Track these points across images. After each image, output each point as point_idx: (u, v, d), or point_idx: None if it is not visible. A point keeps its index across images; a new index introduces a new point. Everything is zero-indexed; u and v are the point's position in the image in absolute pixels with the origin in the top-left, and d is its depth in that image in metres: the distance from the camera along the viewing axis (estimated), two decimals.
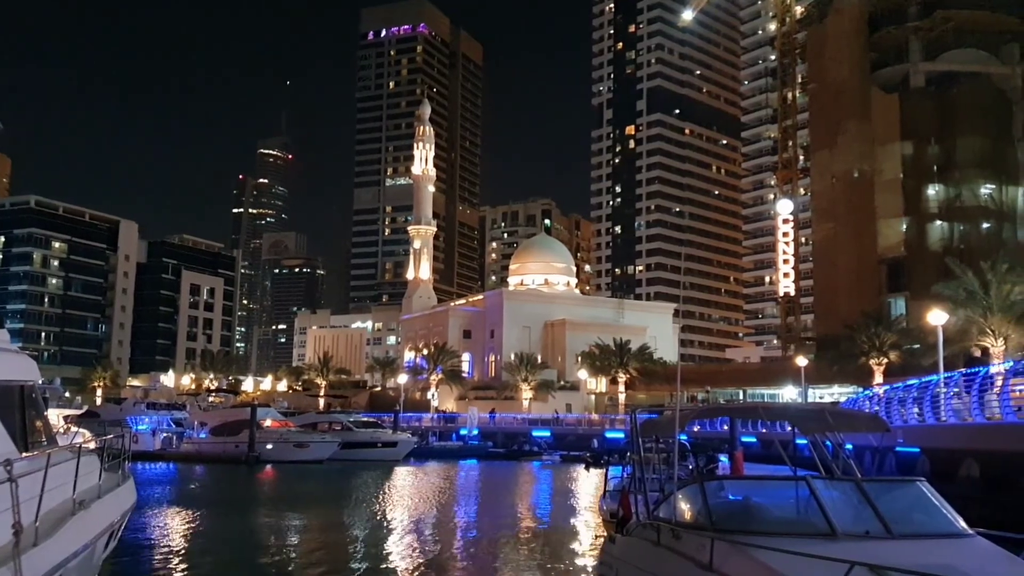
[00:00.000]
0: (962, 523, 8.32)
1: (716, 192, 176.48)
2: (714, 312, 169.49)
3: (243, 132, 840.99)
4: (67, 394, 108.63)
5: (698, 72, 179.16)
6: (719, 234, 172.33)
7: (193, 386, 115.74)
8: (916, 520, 8.31)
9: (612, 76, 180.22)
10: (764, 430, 53.61)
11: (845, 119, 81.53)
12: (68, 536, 8.43)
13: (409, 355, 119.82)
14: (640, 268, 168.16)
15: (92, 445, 11.50)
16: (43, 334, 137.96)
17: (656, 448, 17.83)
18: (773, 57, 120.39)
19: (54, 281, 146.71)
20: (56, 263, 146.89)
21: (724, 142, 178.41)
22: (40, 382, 9.84)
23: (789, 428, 13.38)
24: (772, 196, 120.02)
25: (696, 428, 45.15)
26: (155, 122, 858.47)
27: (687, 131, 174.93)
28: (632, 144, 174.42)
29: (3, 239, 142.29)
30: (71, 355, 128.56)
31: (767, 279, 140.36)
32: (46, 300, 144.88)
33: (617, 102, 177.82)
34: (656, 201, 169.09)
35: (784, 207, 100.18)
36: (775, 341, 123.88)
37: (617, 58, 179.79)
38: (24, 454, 8.11)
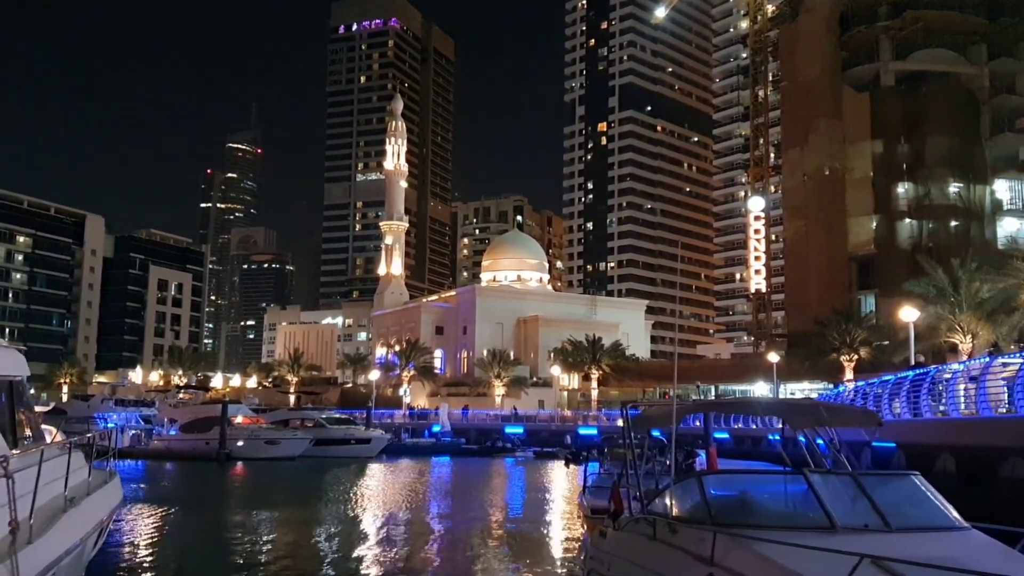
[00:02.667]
0: (957, 516, 8.36)
1: (688, 189, 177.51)
2: (685, 309, 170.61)
3: (212, 126, 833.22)
4: (32, 391, 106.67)
5: (670, 69, 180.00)
6: (690, 231, 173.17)
7: (162, 383, 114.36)
8: (912, 513, 8.25)
9: (584, 73, 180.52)
10: (739, 425, 54.34)
11: (816, 117, 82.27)
12: (61, 533, 8.28)
13: (381, 351, 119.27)
14: (612, 264, 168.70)
15: (76, 442, 11.25)
16: (7, 330, 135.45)
17: (648, 443, 17.81)
18: (745, 55, 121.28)
19: (18, 276, 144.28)
20: (20, 257, 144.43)
21: (696, 139, 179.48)
22: (28, 377, 9.61)
23: (779, 423, 13.41)
24: (743, 193, 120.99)
25: (674, 427, 45.30)
26: (123, 115, 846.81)
27: (659, 128, 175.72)
28: (604, 141, 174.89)
29: None
30: (36, 351, 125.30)
31: (738, 276, 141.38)
32: (10, 295, 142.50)
33: (589, 99, 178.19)
34: (628, 198, 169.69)
35: (755, 204, 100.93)
36: (746, 338, 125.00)
37: (589, 55, 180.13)
38: (14, 451, 7.90)
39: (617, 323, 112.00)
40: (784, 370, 68.12)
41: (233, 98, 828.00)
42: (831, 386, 59.66)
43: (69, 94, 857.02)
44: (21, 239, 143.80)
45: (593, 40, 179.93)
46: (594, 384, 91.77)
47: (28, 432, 9.25)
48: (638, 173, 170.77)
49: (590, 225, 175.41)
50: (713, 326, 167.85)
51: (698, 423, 14.36)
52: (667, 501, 9.53)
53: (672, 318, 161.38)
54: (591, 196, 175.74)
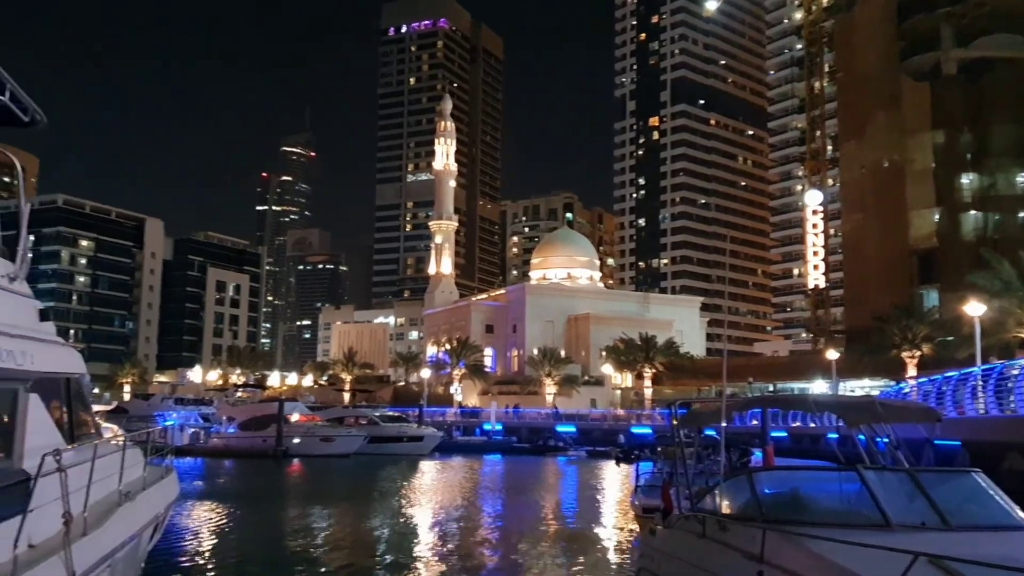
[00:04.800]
0: (1021, 515, 8.04)
1: (743, 183, 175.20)
2: (742, 305, 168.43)
3: (267, 130, 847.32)
4: (96, 390, 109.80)
5: (723, 62, 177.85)
6: (746, 226, 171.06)
7: (220, 381, 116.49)
8: (973, 512, 8.02)
9: (635, 67, 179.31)
10: (796, 424, 53.36)
11: (874, 108, 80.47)
12: (115, 527, 8.39)
13: (432, 350, 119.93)
14: (665, 261, 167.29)
15: (132, 438, 11.42)
16: (71, 331, 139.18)
17: (698, 441, 17.61)
18: (800, 46, 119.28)
19: (82, 279, 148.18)
20: (84, 261, 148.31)
21: (750, 133, 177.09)
22: (86, 375, 9.75)
23: (836, 420, 13.08)
24: (800, 187, 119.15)
25: (725, 423, 44.80)
26: (180, 121, 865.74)
27: (712, 122, 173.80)
28: (656, 136, 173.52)
29: (32, 238, 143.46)
30: (99, 352, 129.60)
31: (795, 271, 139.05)
32: (74, 297, 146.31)
33: (640, 93, 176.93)
34: (681, 193, 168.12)
35: (812, 198, 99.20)
36: (804, 334, 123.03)
37: (640, 49, 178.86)
38: (69, 446, 8.00)
39: (671, 320, 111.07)
40: (843, 367, 66.82)
41: (287, 102, 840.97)
42: (892, 383, 58.28)
43: (128, 102, 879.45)
44: (84, 243, 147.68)
45: (644, 34, 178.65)
46: (647, 382, 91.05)
47: (85, 428, 9.39)
48: (691, 168, 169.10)
49: (642, 221, 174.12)
50: (770, 323, 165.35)
51: (755, 421, 14.12)
52: (717, 498, 9.52)
53: (728, 315, 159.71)
54: (643, 192, 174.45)
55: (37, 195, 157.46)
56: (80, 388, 9.43)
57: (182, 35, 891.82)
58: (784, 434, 51.89)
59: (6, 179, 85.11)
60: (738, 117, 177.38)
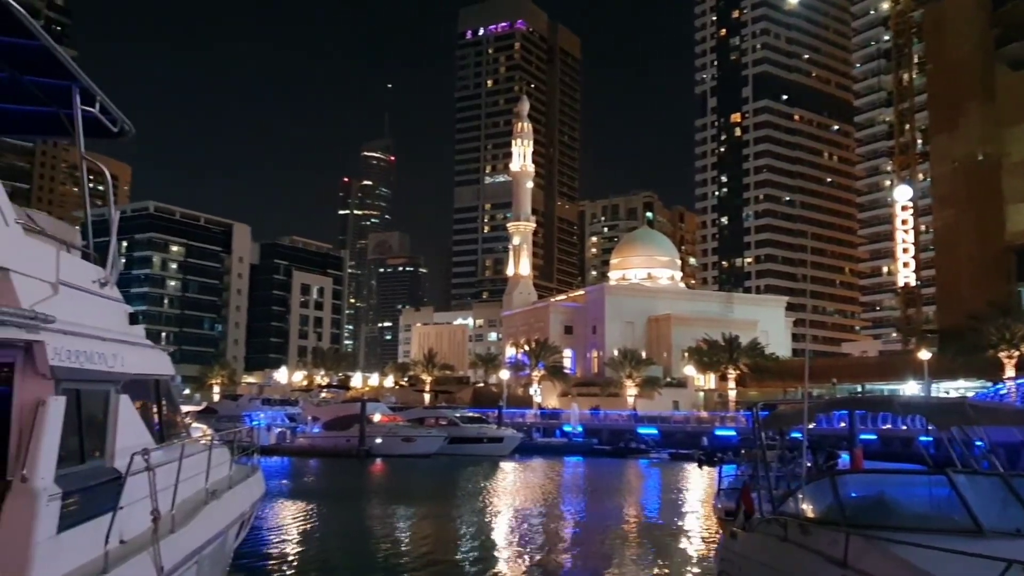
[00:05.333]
0: None
1: (828, 180, 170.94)
2: (828, 305, 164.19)
3: (347, 136, 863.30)
4: (187, 391, 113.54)
5: (806, 56, 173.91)
6: (833, 223, 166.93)
7: (305, 382, 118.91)
8: None
9: (716, 63, 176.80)
10: (887, 426, 51.67)
11: (967, 100, 77.48)
12: (202, 524, 8.60)
13: (511, 351, 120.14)
14: (749, 260, 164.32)
15: (220, 438, 11.73)
16: (163, 334, 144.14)
17: (780, 444, 17.25)
18: (887, 38, 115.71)
19: (173, 283, 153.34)
20: (174, 266, 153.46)
21: (836, 128, 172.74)
22: (174, 376, 10.05)
23: (925, 423, 12.64)
24: (889, 183, 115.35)
25: (812, 425, 43.76)
26: (263, 128, 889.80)
27: (796, 117, 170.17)
28: (738, 132, 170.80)
29: (125, 244, 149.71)
30: (189, 354, 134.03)
31: (885, 269, 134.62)
32: (166, 301, 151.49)
33: (721, 90, 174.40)
34: (765, 190, 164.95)
35: (902, 194, 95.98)
36: (894, 334, 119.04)
37: (720, 45, 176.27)
38: (158, 446, 8.24)
39: (755, 321, 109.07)
40: (935, 367, 64.45)
41: (367, 108, 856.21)
42: (989, 384, 55.97)
43: (215, 115, 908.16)
44: (174, 248, 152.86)
45: (724, 30, 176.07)
46: (731, 384, 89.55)
47: (174, 428, 9.66)
48: (775, 164, 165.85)
49: (725, 220, 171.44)
50: (858, 322, 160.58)
51: (843, 424, 13.81)
52: (799, 502, 9.41)
53: (815, 315, 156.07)
54: (725, 190, 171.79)
55: (130, 202, 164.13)
56: (169, 389, 9.70)
57: (262, 48, 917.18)
58: (873, 437, 50.31)
59: (100, 187, 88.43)
60: (823, 112, 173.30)
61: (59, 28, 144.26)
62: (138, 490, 7.29)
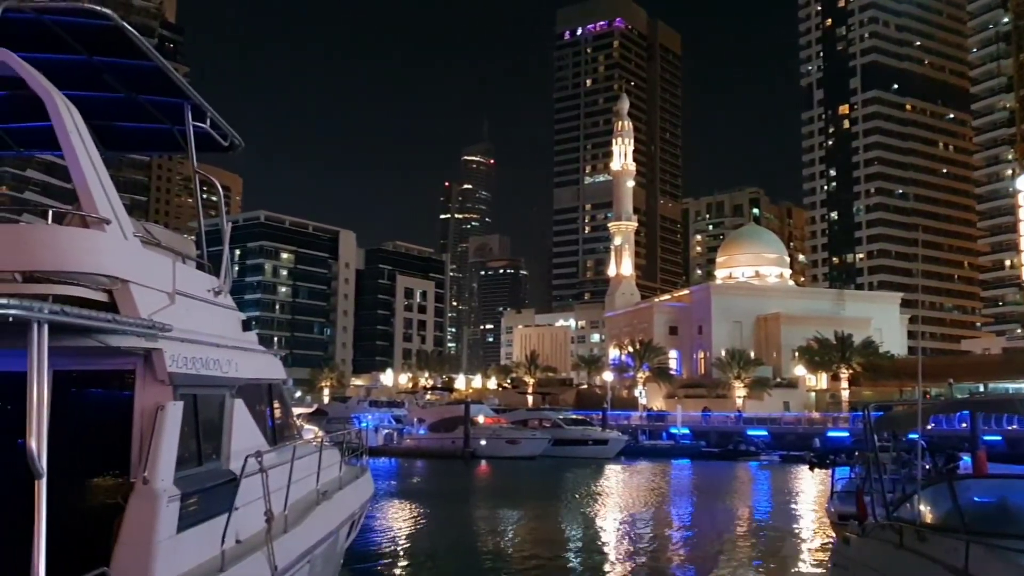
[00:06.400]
0: None
1: (944, 171, 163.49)
2: (946, 301, 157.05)
3: (447, 141, 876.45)
4: (298, 393, 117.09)
5: (918, 43, 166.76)
6: (949, 216, 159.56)
7: (410, 385, 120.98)
8: None
9: (821, 54, 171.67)
10: (1014, 427, 48.86)
11: None
12: (314, 524, 8.75)
13: (614, 352, 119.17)
14: (861, 256, 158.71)
15: (330, 440, 11.93)
16: (276, 338, 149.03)
17: (894, 447, 16.61)
18: (1006, 20, 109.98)
19: (283, 289, 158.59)
20: (285, 272, 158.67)
21: (951, 116, 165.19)
22: (286, 380, 10.28)
23: None
24: (1010, 172, 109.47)
25: (930, 426, 41.83)
26: (365, 136, 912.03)
27: (908, 107, 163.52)
28: (846, 124, 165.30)
29: (238, 252, 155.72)
30: (300, 357, 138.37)
31: (1007, 263, 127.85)
32: (277, 307, 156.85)
33: (828, 81, 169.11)
34: (876, 183, 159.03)
35: None
36: (1019, 330, 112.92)
37: (826, 35, 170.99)
38: (271, 448, 8.41)
39: (868, 318, 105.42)
40: None
41: (466, 113, 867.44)
42: None
43: (317, 120, 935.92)
44: (285, 255, 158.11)
45: (830, 19, 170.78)
46: (844, 384, 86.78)
47: (286, 431, 9.86)
48: (887, 157, 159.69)
49: (834, 215, 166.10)
50: (979, 319, 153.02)
51: (964, 424, 13.13)
52: (915, 507, 9.11)
53: (932, 311, 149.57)
54: (834, 184, 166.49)
55: (241, 212, 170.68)
56: (281, 392, 9.93)
57: (361, 55, 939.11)
58: (998, 438, 47.69)
59: (213, 198, 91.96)
60: (936, 100, 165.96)
61: (171, 45, 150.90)
62: (252, 491, 7.45)
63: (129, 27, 6.95)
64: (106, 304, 6.32)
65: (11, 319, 4.82)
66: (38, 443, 4.82)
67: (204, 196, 10.48)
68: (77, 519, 6.29)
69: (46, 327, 5.03)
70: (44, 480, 4.91)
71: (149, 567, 5.90)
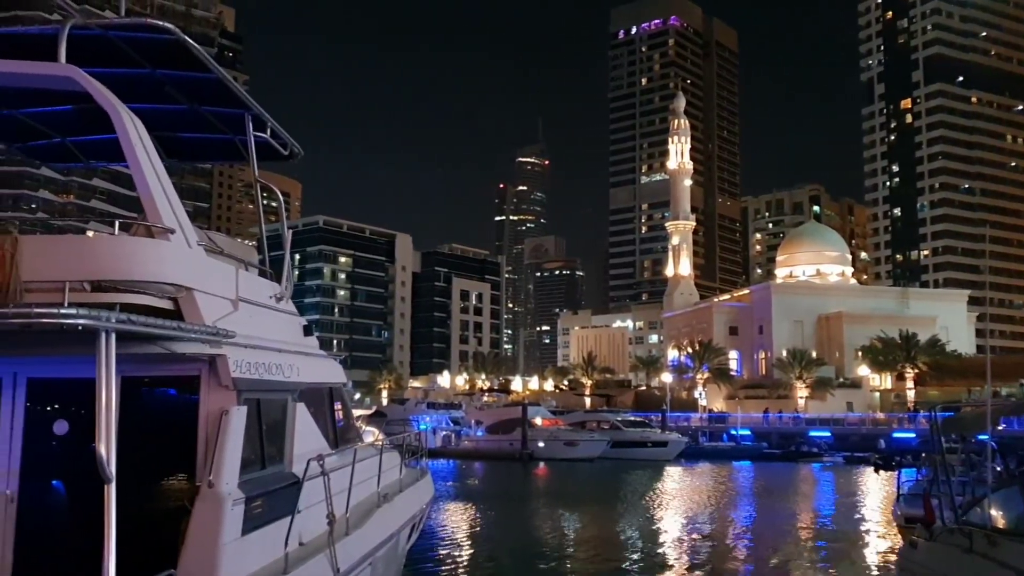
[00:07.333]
0: None
1: (1012, 164, 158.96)
2: (1016, 298, 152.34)
3: (502, 143, 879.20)
4: (357, 395, 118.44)
5: (983, 34, 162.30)
6: (1018, 211, 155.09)
7: (467, 386, 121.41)
8: None
9: (882, 48, 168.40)
10: None
11: None
12: (376, 527, 8.84)
13: (672, 353, 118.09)
14: (925, 253, 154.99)
15: (390, 443, 12.03)
16: (335, 341, 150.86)
17: (962, 448, 16.16)
18: None
19: (342, 292, 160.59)
20: (343, 276, 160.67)
21: (1019, 108, 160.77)
22: (347, 384, 10.41)
23: None
24: None
25: (1001, 427, 40.62)
26: (421, 139, 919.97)
27: (973, 100, 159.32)
28: (909, 119, 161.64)
29: (298, 256, 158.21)
30: (359, 360, 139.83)
31: None
32: (336, 310, 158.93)
33: (889, 75, 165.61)
34: (941, 179, 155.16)
35: None
36: None
37: (887, 28, 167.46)
38: (332, 451, 8.52)
39: (934, 317, 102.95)
40: None
41: (521, 115, 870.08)
42: None
43: (374, 123, 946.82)
44: (343, 259, 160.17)
45: (891, 12, 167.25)
46: (909, 384, 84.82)
47: (348, 433, 9.98)
48: (951, 151, 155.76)
49: (897, 211, 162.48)
50: None
51: None
52: (986, 510, 8.95)
53: (1001, 309, 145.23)
54: (897, 180, 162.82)
55: (301, 217, 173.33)
56: (342, 396, 10.06)
57: (414, 61, 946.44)
58: None
59: (273, 204, 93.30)
60: (1004, 92, 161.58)
61: (231, 55, 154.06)
62: (315, 494, 7.56)
63: (191, 41, 7.12)
64: (172, 312, 6.47)
65: (81, 328, 4.97)
66: (107, 449, 4.95)
67: (265, 203, 10.69)
68: (145, 521, 6.45)
69: (114, 335, 5.17)
70: (113, 484, 5.04)
71: (215, 569, 6.01)
